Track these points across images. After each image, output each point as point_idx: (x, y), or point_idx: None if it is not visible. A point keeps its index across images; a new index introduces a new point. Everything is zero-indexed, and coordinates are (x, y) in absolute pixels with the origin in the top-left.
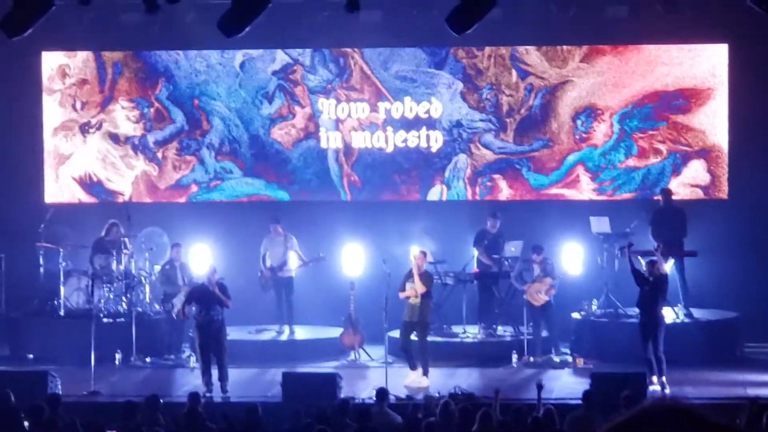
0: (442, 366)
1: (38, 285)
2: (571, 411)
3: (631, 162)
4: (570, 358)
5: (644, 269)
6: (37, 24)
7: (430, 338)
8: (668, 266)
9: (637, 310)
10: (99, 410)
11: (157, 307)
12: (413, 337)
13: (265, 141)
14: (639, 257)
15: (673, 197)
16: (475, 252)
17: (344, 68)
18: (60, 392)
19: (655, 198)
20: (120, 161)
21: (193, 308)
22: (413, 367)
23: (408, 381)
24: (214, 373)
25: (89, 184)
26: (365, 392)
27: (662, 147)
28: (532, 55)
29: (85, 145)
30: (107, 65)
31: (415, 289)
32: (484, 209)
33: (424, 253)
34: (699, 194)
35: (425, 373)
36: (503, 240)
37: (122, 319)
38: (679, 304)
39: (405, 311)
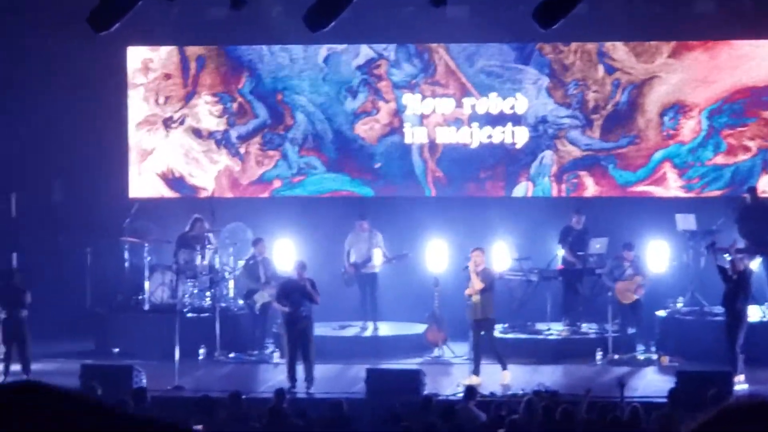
0: (526, 363)
1: (123, 280)
2: (656, 409)
3: (720, 159)
4: (655, 356)
5: (728, 266)
6: (123, 19)
7: (513, 335)
8: (755, 264)
9: (722, 308)
10: (182, 405)
11: (240, 302)
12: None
13: (348, 136)
14: (724, 255)
15: (760, 195)
16: (560, 249)
17: (429, 63)
18: (145, 386)
19: (743, 196)
20: (203, 156)
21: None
22: (477, 372)
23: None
24: (299, 369)
25: (171, 179)
26: (449, 389)
27: (752, 144)
28: (619, 50)
29: (168, 140)
30: (190, 60)
31: (472, 287)
32: (569, 206)
33: (482, 251)
34: None
35: (504, 368)
36: (588, 237)
37: (206, 314)
38: (766, 303)
39: (468, 312)
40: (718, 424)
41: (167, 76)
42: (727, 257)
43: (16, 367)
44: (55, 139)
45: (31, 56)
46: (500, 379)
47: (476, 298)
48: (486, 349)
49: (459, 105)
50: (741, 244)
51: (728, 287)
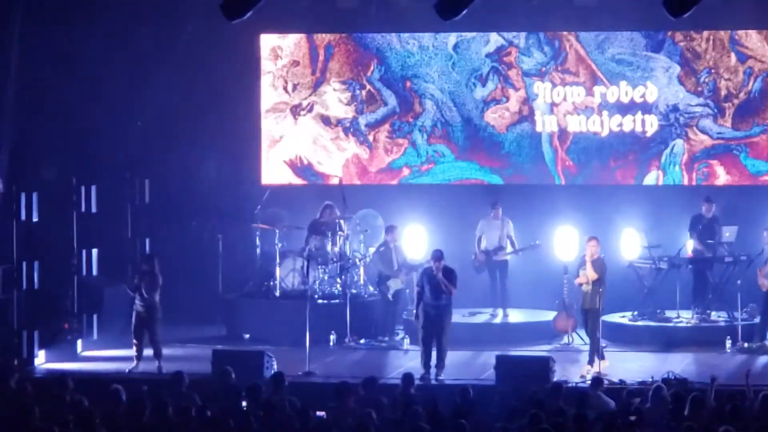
0: (656, 351)
1: (254, 266)
2: None
3: None
4: None
5: None
6: (256, 7)
7: (644, 322)
8: None
9: None
10: (314, 391)
11: (371, 289)
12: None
13: (478, 124)
14: None
15: None
16: (689, 237)
17: (559, 51)
18: (282, 372)
19: None
20: (331, 144)
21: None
22: (601, 356)
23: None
24: (433, 356)
25: (299, 166)
26: (577, 376)
27: None
28: (752, 38)
29: (296, 128)
30: (319, 47)
31: (587, 276)
32: (699, 195)
33: (597, 240)
34: None
35: (601, 357)
36: (718, 225)
37: (337, 301)
38: None
39: (580, 300)
40: None
41: (296, 63)
42: None
43: (148, 351)
44: (189, 125)
45: (163, 43)
46: (587, 369)
47: (587, 287)
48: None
49: (589, 93)
50: None
51: None
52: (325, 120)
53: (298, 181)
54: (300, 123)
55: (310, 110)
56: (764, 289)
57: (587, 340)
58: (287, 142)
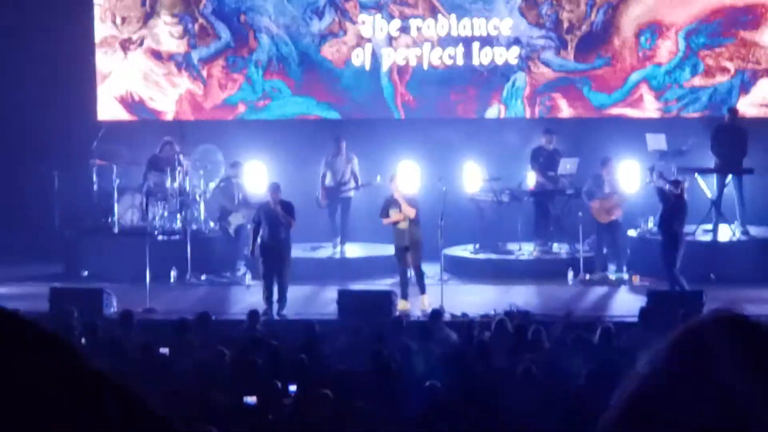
0: (498, 284)
1: (92, 203)
2: (627, 328)
3: (698, 81)
4: (626, 276)
5: (667, 188)
6: None
7: (485, 255)
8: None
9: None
10: (155, 327)
11: (212, 224)
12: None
13: (315, 59)
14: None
15: (739, 116)
16: (530, 169)
17: None
18: (116, 309)
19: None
20: (163, 79)
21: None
22: (405, 296)
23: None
24: (275, 292)
25: (131, 103)
26: (419, 310)
27: (730, 65)
28: None
29: (126, 63)
30: None
31: (404, 213)
32: (540, 127)
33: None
34: (767, 113)
35: (424, 292)
36: (559, 157)
37: (177, 237)
38: (735, 222)
39: (394, 238)
40: (689, 340)
41: None
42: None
43: None
44: (19, 61)
45: None
46: (419, 303)
47: (404, 224)
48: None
49: (428, 26)
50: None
51: (665, 209)
52: (156, 55)
53: (130, 117)
54: (130, 58)
55: (141, 44)
56: (605, 221)
57: (429, 273)
58: (117, 78)
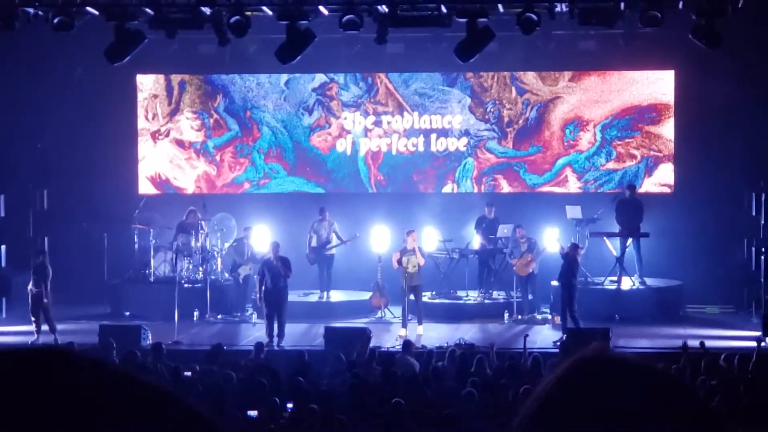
0: (450, 322)
1: (133, 258)
2: (550, 358)
3: (611, 165)
4: (549, 316)
5: (565, 252)
6: (133, 53)
7: (440, 300)
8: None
9: (601, 278)
10: (182, 355)
11: (226, 275)
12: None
13: (305, 146)
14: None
15: (637, 191)
16: (476, 234)
17: (372, 86)
18: (150, 341)
19: (623, 190)
20: (185, 162)
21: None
22: (405, 325)
23: (404, 333)
24: (275, 328)
25: (159, 182)
26: (389, 343)
27: (637, 153)
28: (528, 75)
29: (156, 149)
30: (174, 83)
31: (417, 261)
32: (484, 200)
33: (414, 232)
34: (667, 191)
35: (420, 323)
36: (497, 224)
37: (199, 285)
38: (635, 274)
39: (405, 279)
40: (569, 369)
41: (155, 96)
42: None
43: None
44: (79, 145)
45: (59, 80)
46: (417, 331)
47: (413, 270)
48: (414, 309)
49: (396, 121)
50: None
51: (563, 266)
52: (180, 143)
53: (158, 193)
54: (158, 146)
55: (167, 135)
56: (524, 274)
57: (397, 314)
58: (148, 162)
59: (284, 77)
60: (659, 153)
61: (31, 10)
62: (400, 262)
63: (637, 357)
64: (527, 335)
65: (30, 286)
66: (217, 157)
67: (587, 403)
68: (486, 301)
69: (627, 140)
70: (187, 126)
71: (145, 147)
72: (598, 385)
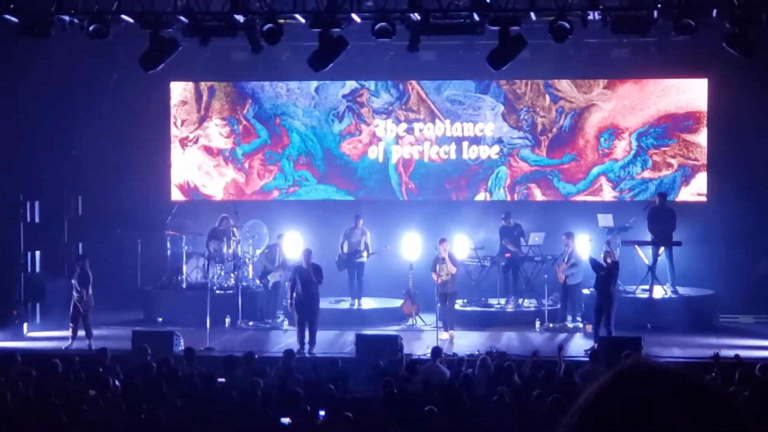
0: (481, 330)
1: (166, 264)
2: (580, 366)
3: (647, 174)
4: (581, 325)
5: (600, 260)
6: (167, 60)
7: (472, 308)
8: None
9: (633, 287)
10: (214, 362)
11: (258, 282)
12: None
13: (335, 154)
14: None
15: (668, 199)
16: (501, 243)
17: (403, 93)
18: (183, 347)
19: (653, 199)
20: (213, 170)
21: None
22: (446, 329)
23: (445, 336)
24: (307, 335)
25: (187, 189)
26: (420, 350)
27: (673, 161)
28: (562, 82)
29: (184, 156)
30: (203, 90)
31: (447, 270)
32: (517, 208)
33: (446, 240)
34: (702, 200)
35: (452, 328)
36: (516, 232)
37: (231, 291)
38: (667, 283)
39: (437, 287)
40: (609, 391)
41: (183, 103)
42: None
43: (81, 332)
44: (113, 152)
45: (94, 88)
46: (445, 336)
47: (446, 277)
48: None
49: (428, 128)
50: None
51: (600, 275)
52: (208, 150)
53: (186, 200)
54: (187, 153)
55: (196, 142)
56: (561, 281)
57: (428, 322)
58: (177, 169)
59: (314, 84)
60: (696, 161)
61: (67, 18)
62: (434, 269)
63: (683, 368)
64: (562, 346)
65: (73, 293)
66: (246, 165)
67: (629, 414)
68: (517, 309)
69: (663, 148)
70: (216, 133)
71: (174, 154)
72: (641, 398)
